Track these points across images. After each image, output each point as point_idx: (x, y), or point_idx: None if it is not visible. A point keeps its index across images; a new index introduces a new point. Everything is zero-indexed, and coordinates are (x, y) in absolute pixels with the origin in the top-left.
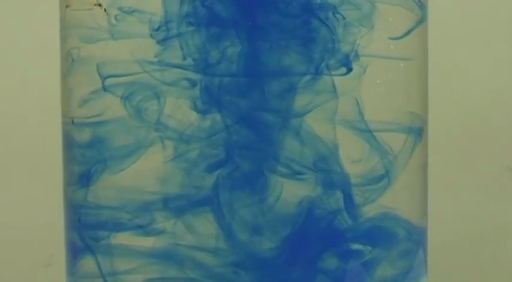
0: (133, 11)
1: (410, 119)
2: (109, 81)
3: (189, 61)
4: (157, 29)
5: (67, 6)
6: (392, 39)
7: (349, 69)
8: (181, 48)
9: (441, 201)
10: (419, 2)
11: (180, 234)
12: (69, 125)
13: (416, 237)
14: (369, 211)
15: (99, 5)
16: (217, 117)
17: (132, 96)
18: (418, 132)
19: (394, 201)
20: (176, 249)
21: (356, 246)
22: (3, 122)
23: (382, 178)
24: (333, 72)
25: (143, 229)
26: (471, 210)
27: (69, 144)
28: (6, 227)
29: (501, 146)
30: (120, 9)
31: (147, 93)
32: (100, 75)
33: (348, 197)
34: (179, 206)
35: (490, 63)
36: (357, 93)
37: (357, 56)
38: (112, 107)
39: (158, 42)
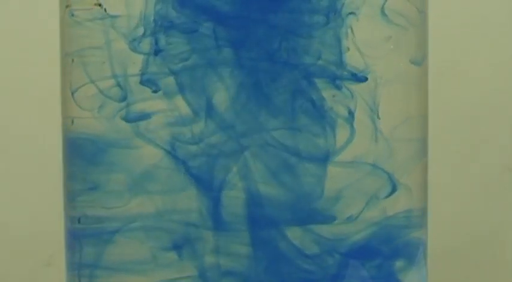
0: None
1: (411, 122)
2: (109, 82)
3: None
4: (155, 32)
5: (67, 6)
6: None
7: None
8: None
9: (441, 201)
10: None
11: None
12: (69, 125)
13: (416, 238)
14: (369, 212)
15: (99, 5)
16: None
17: (133, 96)
18: (419, 134)
19: (394, 202)
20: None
21: (356, 248)
22: (3, 122)
23: (382, 180)
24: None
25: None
26: (471, 211)
27: (69, 144)
28: (6, 227)
29: (501, 146)
30: (116, 10)
31: (148, 94)
32: (100, 75)
33: (347, 200)
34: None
35: (490, 63)
36: (363, 96)
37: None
38: (112, 107)
39: (159, 43)
